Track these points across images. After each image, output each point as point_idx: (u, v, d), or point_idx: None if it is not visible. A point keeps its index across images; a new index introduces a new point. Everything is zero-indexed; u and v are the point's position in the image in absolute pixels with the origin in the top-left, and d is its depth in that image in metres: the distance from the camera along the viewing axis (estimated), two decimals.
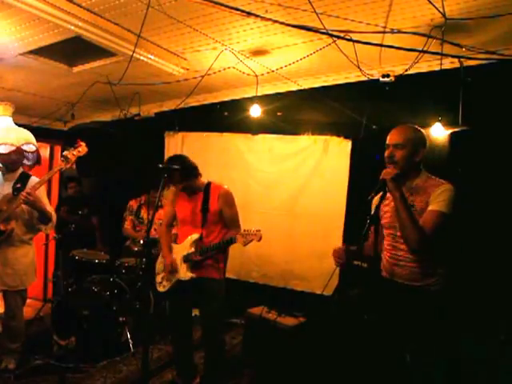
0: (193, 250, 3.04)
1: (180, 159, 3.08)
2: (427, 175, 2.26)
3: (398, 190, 2.11)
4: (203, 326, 3.16)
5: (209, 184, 3.13)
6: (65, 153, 3.04)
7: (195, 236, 3.05)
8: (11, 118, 3.26)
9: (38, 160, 3.35)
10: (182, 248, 3.10)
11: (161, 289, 3.22)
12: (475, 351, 2.95)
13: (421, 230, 2.07)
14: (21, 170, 3.23)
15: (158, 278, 3.24)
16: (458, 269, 2.53)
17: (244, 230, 2.90)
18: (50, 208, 3.20)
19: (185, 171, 3.00)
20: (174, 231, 3.47)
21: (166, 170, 2.83)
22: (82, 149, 3.09)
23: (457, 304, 2.40)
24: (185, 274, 3.05)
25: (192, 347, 3.30)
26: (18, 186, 3.06)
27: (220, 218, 3.08)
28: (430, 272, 2.18)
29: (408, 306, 2.20)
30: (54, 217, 3.20)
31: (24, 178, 3.13)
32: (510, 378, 2.77)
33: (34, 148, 3.23)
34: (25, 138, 3.16)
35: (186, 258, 3.06)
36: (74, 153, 3.05)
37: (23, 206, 3.04)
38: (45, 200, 3.18)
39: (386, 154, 2.24)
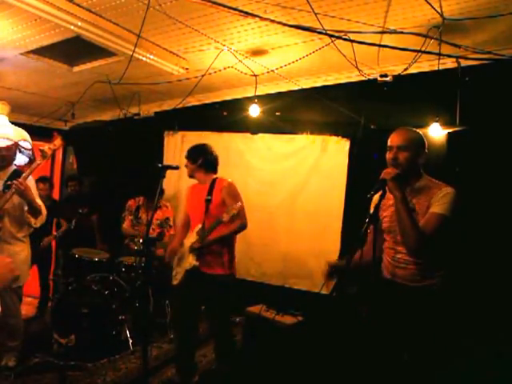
0: (196, 238, 3.12)
1: (199, 148, 3.28)
2: (428, 178, 2.25)
3: (398, 190, 2.10)
4: (210, 322, 3.25)
5: (215, 179, 3.24)
6: (41, 148, 3.07)
7: (199, 226, 3.12)
8: (7, 118, 3.28)
9: (33, 158, 3.36)
10: (190, 239, 3.19)
11: (174, 282, 3.27)
12: (475, 351, 2.97)
13: (420, 232, 2.07)
14: (13, 167, 3.23)
15: (174, 272, 3.31)
16: (457, 270, 2.55)
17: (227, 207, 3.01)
18: (40, 201, 3.21)
19: (193, 154, 3.23)
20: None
21: (165, 169, 2.84)
22: (58, 142, 3.13)
23: (457, 305, 2.41)
24: (189, 263, 3.11)
25: (195, 344, 3.36)
26: (9, 183, 3.06)
27: (223, 210, 3.09)
28: (430, 274, 2.18)
29: (408, 307, 2.20)
30: (44, 210, 3.21)
31: (16, 176, 3.12)
32: (509, 378, 2.79)
33: (29, 146, 3.25)
34: (21, 135, 3.19)
35: (191, 248, 3.13)
36: (51, 146, 3.09)
37: (15, 202, 3.05)
38: (34, 192, 3.19)
39: (390, 156, 2.21)
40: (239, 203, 2.97)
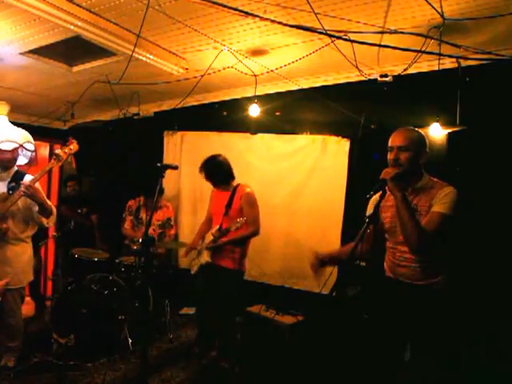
0: (212, 239, 3.57)
1: (207, 163, 3.64)
2: (429, 177, 2.26)
3: (398, 189, 2.10)
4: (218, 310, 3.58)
5: (237, 185, 3.64)
6: (56, 151, 3.07)
7: (216, 227, 3.56)
8: (6, 117, 3.28)
9: (35, 160, 3.37)
10: (208, 237, 3.63)
11: (192, 272, 3.74)
12: (476, 349, 2.97)
13: (422, 231, 2.07)
14: (15, 168, 3.23)
15: (192, 263, 3.78)
16: (459, 269, 2.54)
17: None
18: (49, 201, 3.21)
19: (208, 173, 3.62)
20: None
21: (165, 168, 2.83)
22: (74, 146, 3.13)
23: (459, 303, 2.40)
24: (204, 259, 3.59)
25: (211, 326, 3.70)
26: (13, 184, 3.05)
27: (241, 215, 3.46)
28: (433, 272, 2.19)
29: (410, 305, 2.21)
30: (54, 210, 3.22)
31: (19, 177, 3.13)
32: (509, 378, 2.79)
33: (33, 147, 3.26)
34: (26, 137, 3.20)
35: (207, 247, 3.59)
36: (66, 150, 3.08)
37: (19, 203, 3.05)
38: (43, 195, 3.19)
39: (391, 156, 2.21)
40: (244, 218, 3.37)
